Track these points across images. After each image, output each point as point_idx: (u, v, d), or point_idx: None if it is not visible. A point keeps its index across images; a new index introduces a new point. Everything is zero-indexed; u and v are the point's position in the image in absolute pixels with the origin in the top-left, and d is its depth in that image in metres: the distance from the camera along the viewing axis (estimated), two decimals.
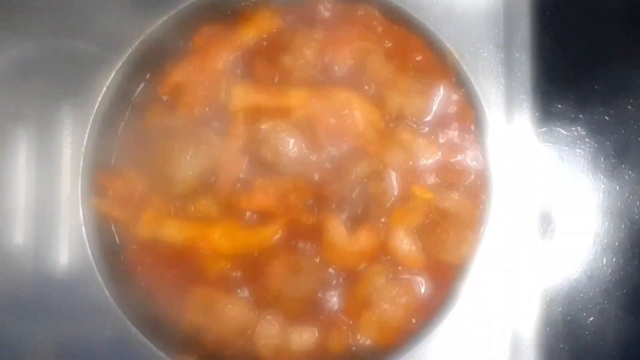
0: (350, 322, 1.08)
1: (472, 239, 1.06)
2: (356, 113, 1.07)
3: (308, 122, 1.07)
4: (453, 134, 1.11)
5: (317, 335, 1.07)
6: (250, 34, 1.11)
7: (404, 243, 1.06)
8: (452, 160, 1.10)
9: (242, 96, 1.05)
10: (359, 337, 1.07)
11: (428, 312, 1.09)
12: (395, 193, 1.09)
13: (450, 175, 1.09)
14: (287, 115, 1.06)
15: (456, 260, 1.06)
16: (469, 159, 1.10)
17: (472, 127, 1.11)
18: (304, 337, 1.07)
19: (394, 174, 1.10)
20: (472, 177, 1.09)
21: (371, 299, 1.06)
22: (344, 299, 1.08)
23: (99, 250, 1.07)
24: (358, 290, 1.07)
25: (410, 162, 1.09)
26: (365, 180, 1.07)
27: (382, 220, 1.08)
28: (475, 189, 1.09)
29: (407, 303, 1.06)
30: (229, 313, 1.06)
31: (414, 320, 1.09)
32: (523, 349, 1.13)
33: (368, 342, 1.07)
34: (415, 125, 1.10)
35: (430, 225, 1.07)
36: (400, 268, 1.09)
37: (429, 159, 1.10)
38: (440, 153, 1.10)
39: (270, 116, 1.06)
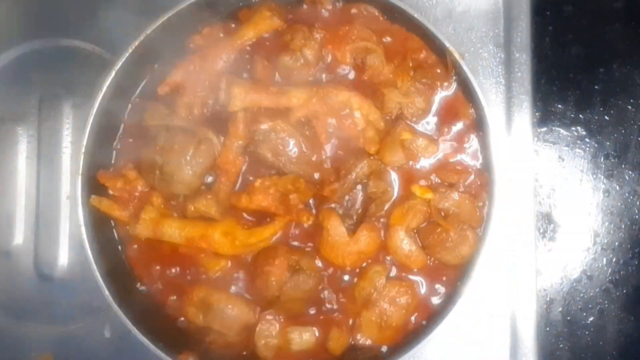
0: (350, 322, 1.08)
1: (472, 239, 1.06)
2: (356, 113, 1.07)
3: (308, 122, 1.07)
4: (453, 133, 1.10)
5: (317, 335, 1.07)
6: (250, 34, 1.11)
7: (404, 243, 1.06)
8: (452, 160, 1.10)
9: (242, 96, 1.04)
10: (358, 337, 1.07)
11: (428, 312, 1.09)
12: (396, 193, 1.09)
13: (450, 175, 1.09)
14: (287, 115, 1.06)
15: (456, 260, 1.06)
16: (469, 158, 1.10)
17: (472, 127, 1.10)
18: (304, 337, 1.07)
19: (394, 173, 1.10)
20: (472, 177, 1.09)
21: (371, 299, 1.06)
22: (344, 299, 1.08)
23: (99, 250, 1.07)
24: (358, 290, 1.07)
25: (410, 162, 1.09)
26: (365, 180, 1.07)
27: (382, 220, 1.08)
28: (475, 189, 1.09)
29: (407, 303, 1.06)
30: (229, 313, 1.06)
31: (413, 320, 1.09)
32: (523, 349, 1.13)
33: (368, 342, 1.07)
34: (415, 125, 1.10)
35: (430, 225, 1.07)
36: (400, 268, 1.09)
37: (429, 158, 1.10)
38: (440, 153, 1.10)
39: (270, 116, 1.06)
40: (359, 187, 1.08)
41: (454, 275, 1.09)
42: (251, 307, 1.07)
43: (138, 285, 1.11)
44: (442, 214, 1.06)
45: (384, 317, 1.06)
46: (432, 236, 1.06)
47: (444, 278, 1.09)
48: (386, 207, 1.09)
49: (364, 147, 1.07)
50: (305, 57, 1.08)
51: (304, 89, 1.06)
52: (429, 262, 1.08)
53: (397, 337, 1.08)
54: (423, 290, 1.09)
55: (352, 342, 1.08)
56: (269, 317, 1.06)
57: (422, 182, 1.09)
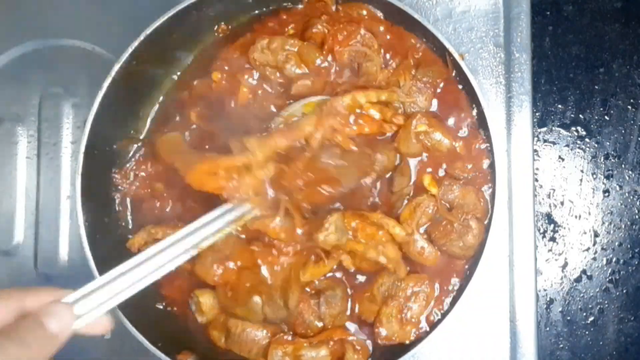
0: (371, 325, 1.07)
1: (476, 228, 1.04)
2: (366, 106, 1.04)
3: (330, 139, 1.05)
4: (461, 131, 1.10)
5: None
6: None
7: (416, 240, 1.05)
8: (460, 157, 1.09)
9: (261, 146, 1.00)
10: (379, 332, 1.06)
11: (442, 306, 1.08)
12: (411, 191, 1.09)
13: (459, 172, 1.08)
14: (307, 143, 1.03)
15: (462, 251, 1.05)
16: (467, 161, 1.09)
17: (472, 127, 1.10)
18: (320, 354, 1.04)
19: (413, 167, 1.09)
20: (472, 175, 1.09)
21: (390, 294, 1.04)
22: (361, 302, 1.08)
23: (99, 250, 1.07)
24: (377, 286, 1.05)
25: (425, 155, 1.08)
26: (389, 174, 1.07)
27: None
28: (478, 184, 1.08)
29: (426, 293, 1.05)
30: (245, 338, 1.03)
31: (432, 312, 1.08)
32: (523, 349, 1.13)
33: (392, 339, 1.05)
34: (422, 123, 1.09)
35: (436, 221, 1.07)
36: (412, 265, 1.08)
37: (443, 152, 1.08)
38: (456, 146, 1.09)
39: (289, 157, 1.02)
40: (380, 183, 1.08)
41: (459, 269, 1.08)
42: (269, 330, 1.05)
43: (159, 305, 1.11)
44: (447, 206, 1.06)
45: (404, 310, 1.05)
46: (438, 230, 1.06)
47: (450, 273, 1.08)
48: (405, 201, 1.08)
49: (389, 127, 1.06)
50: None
51: (309, 115, 1.04)
52: (440, 257, 1.07)
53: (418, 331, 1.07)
54: (437, 284, 1.08)
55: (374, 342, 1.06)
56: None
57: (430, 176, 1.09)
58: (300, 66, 1.08)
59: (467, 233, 1.04)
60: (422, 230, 1.06)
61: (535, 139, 1.24)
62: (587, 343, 1.23)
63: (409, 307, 1.05)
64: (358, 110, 1.05)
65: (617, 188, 1.26)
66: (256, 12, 1.14)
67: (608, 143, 1.26)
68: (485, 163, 1.08)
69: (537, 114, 1.25)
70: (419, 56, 1.11)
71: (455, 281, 1.08)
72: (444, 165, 1.08)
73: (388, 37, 1.11)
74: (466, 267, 1.07)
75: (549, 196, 1.26)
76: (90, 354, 1.16)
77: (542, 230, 1.25)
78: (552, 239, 1.25)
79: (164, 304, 1.10)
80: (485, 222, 1.06)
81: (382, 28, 1.11)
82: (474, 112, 1.10)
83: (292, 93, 1.08)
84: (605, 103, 1.26)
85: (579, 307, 1.24)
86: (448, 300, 1.08)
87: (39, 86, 1.23)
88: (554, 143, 1.27)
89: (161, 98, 1.16)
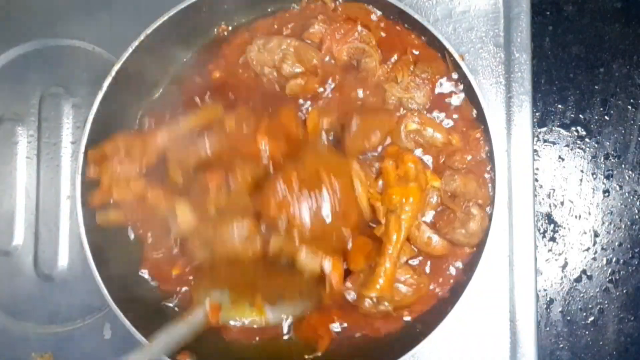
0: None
1: (479, 215, 1.04)
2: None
3: None
4: (459, 128, 1.10)
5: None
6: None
7: (422, 230, 1.05)
8: (449, 153, 1.09)
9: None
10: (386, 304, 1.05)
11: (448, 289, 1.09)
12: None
13: (457, 164, 1.08)
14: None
15: (466, 239, 1.05)
16: (466, 152, 1.09)
17: (472, 127, 1.10)
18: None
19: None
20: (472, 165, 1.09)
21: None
22: None
23: (99, 250, 1.07)
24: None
25: (420, 150, 1.09)
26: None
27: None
28: (479, 173, 1.08)
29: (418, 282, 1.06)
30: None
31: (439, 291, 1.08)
32: (523, 348, 1.13)
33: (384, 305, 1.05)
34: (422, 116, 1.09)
35: (441, 210, 1.07)
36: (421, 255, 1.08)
37: (437, 147, 1.08)
38: (451, 141, 1.09)
39: None
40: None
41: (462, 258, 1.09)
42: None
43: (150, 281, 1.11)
44: (449, 194, 1.06)
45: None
46: (442, 219, 1.06)
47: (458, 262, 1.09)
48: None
49: None
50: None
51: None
52: (446, 247, 1.07)
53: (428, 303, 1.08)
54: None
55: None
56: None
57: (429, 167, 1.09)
58: (298, 65, 1.08)
59: (470, 220, 1.04)
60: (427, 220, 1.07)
61: (535, 139, 1.24)
62: (587, 343, 1.23)
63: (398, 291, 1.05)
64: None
65: (617, 188, 1.26)
66: (255, 14, 1.15)
67: (608, 143, 1.26)
68: (484, 152, 1.08)
69: (537, 114, 1.25)
70: (418, 52, 1.11)
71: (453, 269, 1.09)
72: (442, 159, 1.09)
73: (386, 34, 1.11)
74: (465, 264, 1.08)
75: (549, 196, 1.26)
76: (92, 354, 1.17)
77: (542, 230, 1.25)
78: (552, 239, 1.25)
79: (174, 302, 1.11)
80: (488, 208, 1.06)
81: (382, 25, 1.12)
82: (473, 111, 1.10)
83: (286, 92, 1.08)
84: (605, 103, 1.26)
85: (579, 307, 1.24)
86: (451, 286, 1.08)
87: (39, 86, 1.23)
88: (554, 143, 1.27)
89: (160, 98, 1.16)
